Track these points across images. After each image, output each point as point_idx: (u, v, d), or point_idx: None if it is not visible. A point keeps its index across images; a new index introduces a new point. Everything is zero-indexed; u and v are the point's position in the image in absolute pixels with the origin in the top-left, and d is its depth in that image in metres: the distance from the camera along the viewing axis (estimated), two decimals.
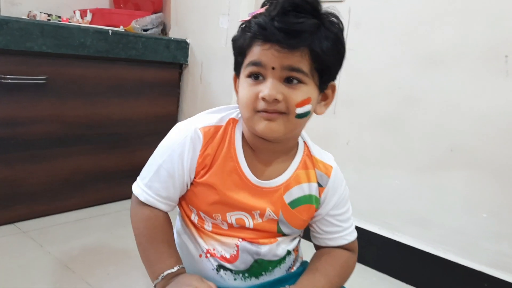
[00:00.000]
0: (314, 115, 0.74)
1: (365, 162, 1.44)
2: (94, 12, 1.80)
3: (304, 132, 0.83)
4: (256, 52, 0.68)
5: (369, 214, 1.44)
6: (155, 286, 0.75)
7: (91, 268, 1.22)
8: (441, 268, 1.28)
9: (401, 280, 1.37)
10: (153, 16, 1.86)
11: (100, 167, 1.71)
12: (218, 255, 0.79)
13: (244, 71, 0.71)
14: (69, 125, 1.57)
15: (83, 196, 1.68)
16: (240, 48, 0.72)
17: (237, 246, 0.79)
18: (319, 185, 0.82)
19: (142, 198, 0.77)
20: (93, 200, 1.72)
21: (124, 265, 1.26)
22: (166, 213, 0.80)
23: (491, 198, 1.20)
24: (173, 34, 1.92)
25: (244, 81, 0.71)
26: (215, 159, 0.76)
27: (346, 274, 0.84)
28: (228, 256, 0.79)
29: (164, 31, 1.97)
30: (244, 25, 0.72)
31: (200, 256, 0.81)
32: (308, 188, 0.81)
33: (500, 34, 1.15)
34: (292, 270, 0.86)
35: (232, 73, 0.79)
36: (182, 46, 1.84)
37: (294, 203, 0.79)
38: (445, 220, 1.28)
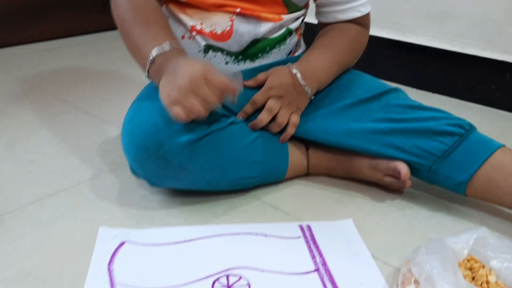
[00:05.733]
0: None
1: None
2: None
3: None
4: None
5: (377, 16, 1.17)
6: (148, 75, 0.60)
7: (65, 88, 1.10)
8: (459, 65, 1.13)
9: (413, 86, 1.21)
10: None
11: None
12: (207, 31, 0.66)
13: None
14: None
15: (50, 25, 1.48)
16: None
17: (232, 20, 0.65)
18: None
19: None
20: (60, 31, 1.51)
21: (101, 84, 1.14)
22: None
23: None
24: None
25: None
26: None
27: (356, 50, 0.73)
28: (219, 32, 0.66)
29: None
30: None
31: (183, 37, 0.68)
32: None
33: None
34: (294, 55, 0.74)
35: None
36: None
37: None
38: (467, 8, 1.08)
